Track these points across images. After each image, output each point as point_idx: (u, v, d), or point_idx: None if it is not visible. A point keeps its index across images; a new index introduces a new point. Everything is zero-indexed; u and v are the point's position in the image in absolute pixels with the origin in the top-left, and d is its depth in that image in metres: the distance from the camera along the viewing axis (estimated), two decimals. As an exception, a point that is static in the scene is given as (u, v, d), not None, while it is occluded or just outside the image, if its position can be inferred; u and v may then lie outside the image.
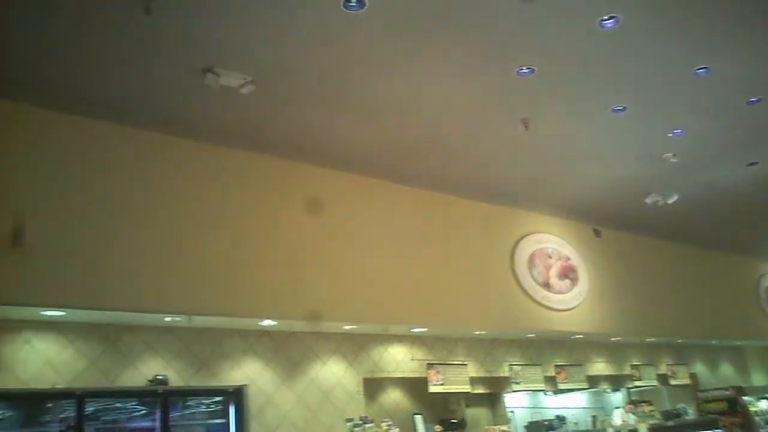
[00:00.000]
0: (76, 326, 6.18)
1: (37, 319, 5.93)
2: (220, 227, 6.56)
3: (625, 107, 6.87)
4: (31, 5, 4.59)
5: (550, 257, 9.81)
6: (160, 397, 6.35)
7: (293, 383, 7.42)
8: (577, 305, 9.78)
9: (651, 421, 10.17)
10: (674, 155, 8.11)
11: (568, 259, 10.06)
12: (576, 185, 9.22)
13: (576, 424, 10.03)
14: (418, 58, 5.66)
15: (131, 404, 6.29)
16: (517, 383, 9.42)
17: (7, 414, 5.65)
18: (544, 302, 9.33)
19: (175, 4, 4.70)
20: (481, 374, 9.22)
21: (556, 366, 10.06)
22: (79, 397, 5.88)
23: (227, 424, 6.69)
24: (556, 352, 10.35)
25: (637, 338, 11.28)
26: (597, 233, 10.69)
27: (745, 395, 11.42)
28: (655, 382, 11.53)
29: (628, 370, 11.29)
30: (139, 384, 6.37)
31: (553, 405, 10.21)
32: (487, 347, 9.51)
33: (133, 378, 6.38)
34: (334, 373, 7.81)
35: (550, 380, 9.90)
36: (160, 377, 6.44)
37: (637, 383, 11.23)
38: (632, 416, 10.28)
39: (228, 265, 6.46)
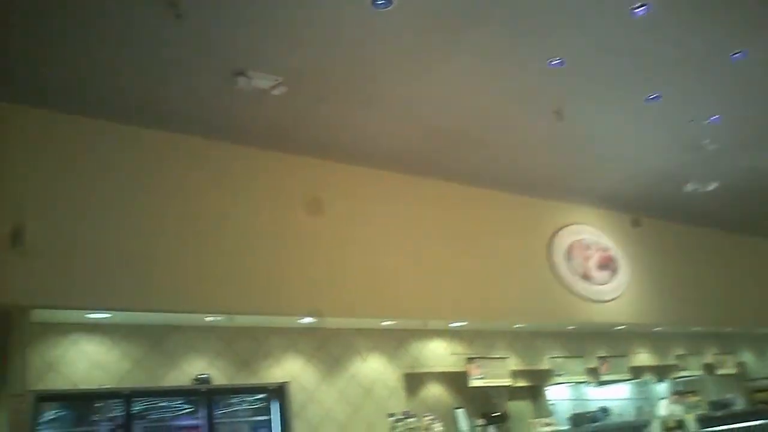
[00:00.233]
0: (121, 328, 6.33)
1: (83, 321, 6.11)
2: (259, 228, 6.66)
3: (659, 95, 6.75)
4: (61, 13, 4.70)
5: (589, 248, 9.70)
6: (204, 396, 6.48)
7: (334, 380, 7.49)
8: (618, 296, 9.65)
9: (698, 412, 9.99)
10: (711, 142, 7.93)
11: (607, 249, 9.93)
12: (612, 175, 9.10)
13: (620, 415, 9.90)
14: (448, 52, 5.66)
15: (176, 403, 6.42)
16: (559, 375, 9.34)
17: (60, 414, 5.82)
18: (583, 294, 9.23)
19: (205, 8, 4.77)
20: (522, 367, 9.15)
21: (599, 357, 9.94)
22: (126, 396, 6.04)
23: (270, 422, 6.77)
24: (597, 344, 10.22)
25: (681, 328, 11.06)
26: (636, 223, 10.53)
27: (796, 384, 11.13)
28: (700, 372, 11.30)
29: (672, 361, 11.08)
30: (184, 383, 6.50)
31: (596, 397, 10.09)
32: (528, 340, 9.44)
33: (178, 377, 6.51)
34: (374, 368, 7.86)
35: (593, 372, 9.78)
36: (203, 376, 6.56)
37: (683, 373, 11.02)
38: (678, 407, 10.10)
39: (267, 265, 6.55)
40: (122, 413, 5.99)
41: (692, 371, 11.13)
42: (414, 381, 8.21)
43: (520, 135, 7.50)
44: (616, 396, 10.31)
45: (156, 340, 6.51)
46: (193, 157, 6.52)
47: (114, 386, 6.11)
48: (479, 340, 8.91)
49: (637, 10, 5.25)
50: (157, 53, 5.29)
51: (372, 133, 7.05)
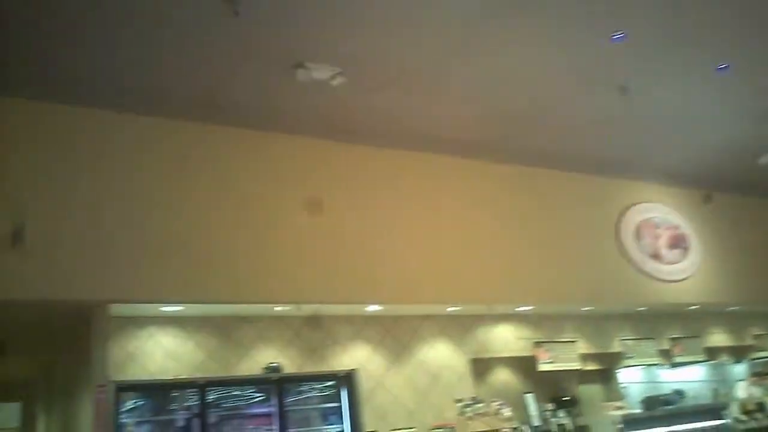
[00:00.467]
0: (194, 320, 6.52)
1: (158, 314, 6.32)
2: (323, 218, 6.68)
3: (728, 65, 6.46)
4: (120, 13, 4.81)
5: (658, 227, 9.41)
6: (276, 384, 6.61)
7: (402, 366, 7.53)
8: (691, 275, 9.34)
9: (779, 394, 9.63)
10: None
11: (678, 227, 9.62)
12: (681, 150, 8.78)
13: (695, 398, 9.62)
14: (512, 33, 5.56)
15: (249, 391, 6.58)
16: (630, 358, 9.15)
17: (139, 403, 6.05)
18: (654, 274, 8.97)
19: (263, 3, 4.81)
20: (592, 351, 9.01)
21: (671, 339, 9.68)
22: (200, 386, 6.22)
23: (340, 408, 6.87)
24: (670, 325, 9.95)
25: (758, 306, 10.63)
26: (707, 199, 10.15)
27: None
28: (780, 353, 10.87)
29: (750, 341, 10.69)
30: (255, 372, 6.64)
31: (669, 379, 9.84)
32: (597, 323, 9.26)
33: (249, 366, 6.67)
34: (441, 355, 7.86)
35: (665, 354, 9.54)
36: (274, 365, 6.69)
37: (761, 354, 10.61)
38: (757, 389, 9.75)
39: (332, 254, 6.58)
40: (197, 402, 6.17)
41: (772, 351, 10.71)
42: (481, 366, 8.18)
43: (585, 113, 7.31)
44: (690, 378, 10.02)
45: (227, 331, 6.68)
46: (253, 150, 6.59)
47: (189, 376, 6.29)
48: (547, 323, 8.79)
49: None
50: (217, 49, 5.37)
51: (433, 117, 6.99)
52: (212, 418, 6.27)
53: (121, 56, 5.33)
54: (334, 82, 5.83)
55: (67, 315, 5.86)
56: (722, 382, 10.34)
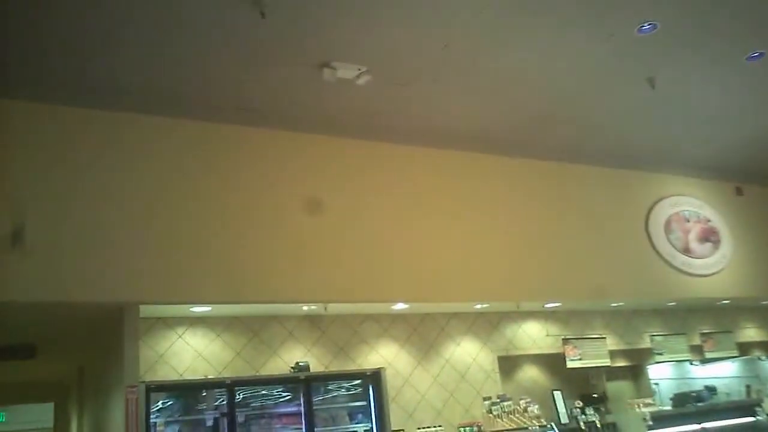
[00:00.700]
0: (223, 320, 6.57)
1: (188, 315, 6.37)
2: (351, 218, 6.65)
3: (762, 53, 6.30)
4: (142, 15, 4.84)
5: (688, 221, 9.25)
6: (303, 383, 6.60)
7: (429, 364, 7.52)
8: (722, 269, 9.16)
9: (814, 390, 9.46)
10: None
11: (708, 221, 9.45)
12: (711, 142, 8.61)
13: (728, 394, 9.49)
14: (534, 26, 5.46)
15: (276, 390, 6.58)
16: (660, 354, 9.04)
17: (168, 403, 6.10)
18: (684, 268, 8.81)
19: (288, 3, 4.79)
20: (621, 347, 8.92)
21: (702, 334, 9.55)
22: (228, 386, 6.23)
23: (368, 407, 6.86)
24: (701, 320, 9.81)
25: (792, 300, 10.46)
26: (739, 191, 9.96)
27: None
28: (815, 347, 10.66)
29: (784, 336, 10.52)
30: (283, 371, 6.67)
31: (701, 375, 9.71)
32: (626, 318, 9.16)
33: (277, 366, 6.71)
34: (468, 352, 7.83)
35: (696, 349, 9.41)
36: (301, 364, 6.69)
37: (795, 349, 10.44)
38: (791, 384, 9.59)
39: (360, 253, 6.55)
40: (225, 402, 6.20)
41: (806, 346, 10.50)
42: (509, 364, 8.14)
43: (613, 106, 7.20)
44: (722, 374, 9.89)
45: (255, 331, 6.71)
46: (283, 150, 6.56)
47: (217, 376, 6.34)
48: (575, 320, 8.71)
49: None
50: (243, 50, 5.37)
51: (458, 114, 6.93)
52: (240, 417, 6.28)
53: (133, 58, 5.32)
54: (360, 81, 5.81)
55: (98, 317, 5.92)
56: (755, 378, 10.18)
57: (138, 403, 5.44)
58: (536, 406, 7.66)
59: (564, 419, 8.00)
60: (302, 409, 6.52)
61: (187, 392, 6.20)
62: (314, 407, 6.58)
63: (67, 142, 5.54)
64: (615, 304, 8.75)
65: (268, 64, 5.59)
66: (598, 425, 8.05)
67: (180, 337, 6.41)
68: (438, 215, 7.15)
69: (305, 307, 6.71)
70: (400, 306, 7.15)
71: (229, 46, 5.27)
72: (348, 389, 6.90)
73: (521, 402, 7.64)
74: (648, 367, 9.19)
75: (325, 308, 6.77)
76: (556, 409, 8.05)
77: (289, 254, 6.21)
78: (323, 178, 6.67)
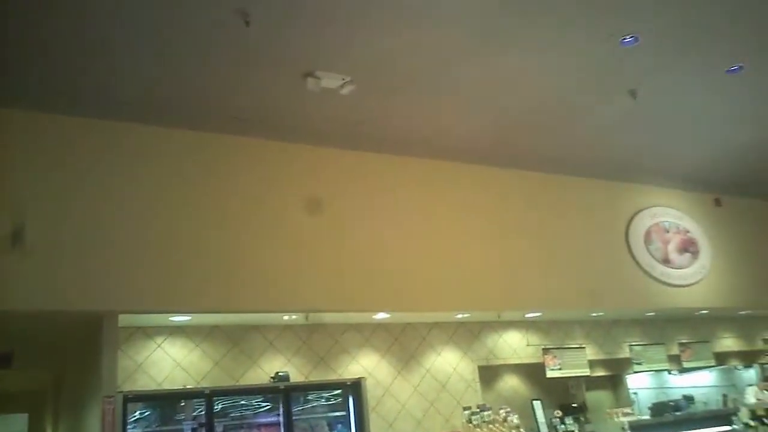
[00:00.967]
0: (202, 329, 6.52)
1: (167, 324, 6.31)
2: (330, 226, 6.63)
3: (741, 66, 6.38)
4: (124, 23, 4.81)
5: (668, 231, 9.34)
6: (283, 393, 6.56)
7: (409, 374, 7.51)
8: (700, 279, 9.26)
9: (789, 399, 9.57)
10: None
11: (687, 231, 9.55)
12: (692, 154, 8.70)
13: (705, 403, 9.58)
14: (517, 37, 5.48)
15: (256, 401, 6.54)
16: (639, 364, 9.10)
17: (146, 413, 6.03)
18: (663, 279, 8.90)
19: (272, 13, 4.77)
20: (601, 356, 8.97)
21: (680, 344, 9.63)
22: (207, 396, 6.17)
23: (348, 417, 6.83)
24: (679, 330, 9.91)
25: (768, 311, 10.59)
26: (717, 202, 10.08)
27: None
28: (791, 357, 10.80)
29: (760, 345, 10.63)
30: (262, 381, 6.63)
31: (679, 384, 9.79)
32: (606, 328, 9.23)
33: (257, 376, 6.66)
34: (449, 362, 7.83)
35: (675, 359, 9.49)
36: (281, 374, 6.66)
37: (772, 358, 10.57)
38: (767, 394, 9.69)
39: (342, 263, 6.53)
40: (204, 412, 6.14)
41: (782, 356, 10.64)
42: (490, 373, 8.16)
43: (595, 117, 7.24)
44: (700, 384, 9.99)
45: (235, 340, 6.67)
46: (258, 158, 6.52)
47: (196, 386, 6.28)
48: (555, 330, 8.76)
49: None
50: (226, 58, 5.35)
51: (441, 124, 6.95)
52: (219, 427, 6.21)
53: (124, 67, 5.31)
54: (344, 91, 5.81)
55: (76, 325, 5.85)
56: (732, 388, 10.29)
57: (115, 414, 5.37)
58: (516, 416, 7.66)
59: (543, 429, 8.04)
60: (281, 419, 6.48)
61: (165, 402, 6.14)
62: (294, 417, 6.54)
63: (36, 152, 5.49)
64: (595, 314, 8.79)
65: (253, 73, 5.58)
66: (577, 435, 8.11)
67: (159, 346, 6.34)
68: (419, 225, 7.16)
69: (286, 317, 6.68)
70: (381, 315, 7.14)
71: (215, 55, 5.25)
72: (328, 399, 6.88)
73: (501, 412, 7.65)
74: (627, 376, 9.25)
75: (307, 318, 6.74)
76: (536, 418, 8.08)
77: (269, 264, 6.18)
78: (305, 189, 6.65)
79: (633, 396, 9.31)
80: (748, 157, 8.85)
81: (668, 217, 9.45)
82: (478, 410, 7.54)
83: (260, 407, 6.55)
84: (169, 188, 5.95)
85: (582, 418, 8.35)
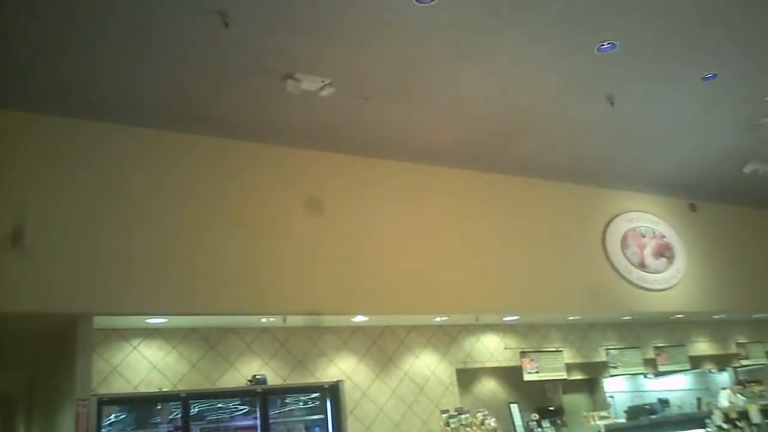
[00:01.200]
0: (178, 332, 6.46)
1: (143, 326, 6.23)
2: (310, 229, 6.63)
3: (715, 74, 6.48)
4: (109, 27, 4.78)
5: (644, 236, 9.45)
6: (260, 396, 6.52)
7: (387, 377, 7.50)
8: (676, 284, 9.38)
9: (762, 402, 9.68)
10: (773, 120, 7.61)
11: (663, 236, 9.67)
12: (668, 159, 8.84)
13: (680, 407, 9.69)
14: (495, 44, 5.54)
15: (233, 404, 6.50)
16: (615, 367, 9.18)
17: (121, 416, 5.96)
18: (639, 283, 9.01)
19: (252, 15, 4.77)
20: (578, 360, 9.03)
21: (656, 348, 9.73)
22: (184, 399, 6.12)
23: (325, 420, 6.81)
24: (655, 334, 10.01)
25: (742, 315, 10.73)
26: (693, 208, 10.22)
27: None
28: (764, 361, 10.92)
29: (733, 349, 10.78)
30: (240, 384, 6.58)
31: (654, 388, 9.89)
32: (583, 332, 9.29)
33: (234, 378, 6.61)
34: (427, 365, 7.84)
35: (650, 363, 9.59)
36: (259, 377, 6.62)
37: (745, 362, 10.70)
38: (741, 397, 9.82)
39: (319, 266, 6.52)
40: (180, 415, 6.08)
41: (755, 360, 10.79)
42: (467, 376, 8.18)
43: (572, 123, 7.34)
44: (675, 387, 10.09)
45: (212, 343, 6.62)
46: (240, 161, 6.52)
47: (172, 389, 6.22)
48: (533, 333, 8.81)
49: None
50: (207, 60, 5.33)
51: (419, 129, 6.99)
52: (195, 430, 6.17)
53: (111, 69, 5.32)
54: (323, 93, 5.81)
55: (49, 327, 5.78)
56: (706, 391, 10.42)
57: (89, 417, 5.31)
58: (493, 419, 7.67)
59: (520, 432, 8.07)
60: (259, 422, 6.44)
61: (140, 405, 6.08)
62: (271, 421, 6.50)
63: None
64: (572, 318, 8.86)
65: (232, 74, 5.58)
66: (554, 438, 8.15)
67: (135, 348, 6.28)
68: (397, 228, 7.18)
69: (264, 320, 6.64)
70: (359, 318, 7.13)
71: (194, 56, 5.25)
72: (305, 402, 6.85)
73: (479, 415, 7.65)
74: (603, 380, 9.32)
75: (284, 320, 6.70)
76: (513, 422, 8.11)
77: (246, 266, 6.15)
78: (284, 193, 6.64)
79: (609, 399, 9.39)
80: (723, 164, 8.99)
81: (644, 222, 9.56)
82: (455, 413, 7.54)
83: (237, 410, 6.51)
84: (146, 193, 5.91)
85: (559, 421, 8.39)
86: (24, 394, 7.33)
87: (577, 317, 8.84)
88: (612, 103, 6.76)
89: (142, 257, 5.66)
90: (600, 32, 5.55)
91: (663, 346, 9.80)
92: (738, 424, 9.24)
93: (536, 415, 8.25)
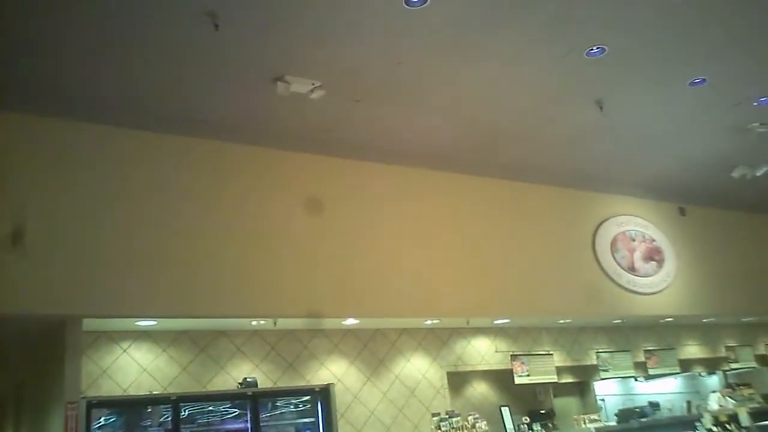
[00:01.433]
0: (168, 334, 6.44)
1: (133, 329, 6.22)
2: (302, 232, 6.63)
3: (704, 79, 6.54)
4: (103, 31, 4.79)
5: (634, 240, 9.50)
6: (250, 399, 6.51)
7: (378, 380, 7.50)
8: (665, 287, 9.42)
9: (751, 405, 9.75)
10: (762, 124, 7.67)
11: (653, 240, 9.72)
12: (657, 164, 8.89)
13: (670, 410, 9.73)
14: (486, 47, 5.56)
15: (223, 407, 6.47)
16: (606, 371, 9.22)
17: (111, 419, 5.94)
18: (629, 287, 9.04)
19: (242, 17, 4.78)
20: (568, 363, 9.06)
21: (646, 351, 9.78)
22: (174, 402, 6.10)
23: (316, 423, 6.80)
24: (645, 337, 10.06)
25: (732, 318, 10.79)
26: (682, 211, 10.29)
27: None
28: (753, 364, 11.01)
29: (723, 352, 10.83)
30: (230, 387, 6.57)
31: (645, 391, 9.93)
32: (573, 335, 9.32)
33: (225, 381, 6.60)
34: (418, 368, 7.85)
35: (641, 366, 9.63)
36: (249, 380, 6.61)
37: (734, 365, 10.76)
38: (730, 400, 9.87)
39: (310, 269, 6.51)
40: (170, 418, 6.07)
41: (744, 363, 10.86)
42: (458, 379, 8.18)
43: (561, 127, 7.36)
44: (665, 390, 10.14)
45: (202, 346, 6.61)
46: (234, 164, 6.52)
47: (162, 392, 6.20)
48: (524, 336, 8.83)
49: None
50: (201, 63, 5.34)
51: (411, 132, 7.00)
52: (185, 434, 6.17)
53: (106, 72, 5.34)
54: (314, 96, 5.82)
55: (38, 330, 5.75)
56: (696, 394, 10.47)
57: (78, 420, 5.28)
58: (484, 422, 7.69)
59: (511, 435, 8.08)
60: (249, 425, 6.43)
61: (130, 408, 6.04)
62: (262, 424, 6.49)
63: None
64: (563, 321, 8.89)
65: (223, 76, 5.58)
66: (545, 441, 8.17)
67: (125, 351, 6.26)
68: (389, 231, 7.19)
69: (254, 322, 6.63)
70: (350, 321, 7.13)
71: (184, 58, 5.24)
72: (296, 405, 6.83)
73: (470, 418, 7.67)
74: (594, 383, 9.35)
75: (275, 323, 6.70)
76: (504, 425, 8.12)
77: (237, 269, 6.14)
78: (274, 196, 6.63)
79: (600, 402, 9.42)
80: (711, 168, 9.05)
81: (634, 225, 9.61)
82: (446, 416, 7.56)
83: (228, 413, 6.48)
84: (142, 193, 5.90)
85: (550, 425, 8.41)
86: (13, 396, 7.27)
87: (567, 321, 8.86)
88: (601, 108, 6.80)
89: (141, 259, 5.65)
90: (589, 37, 5.58)
91: (653, 350, 9.85)
92: (728, 427, 9.32)
93: (527, 419, 8.26)
